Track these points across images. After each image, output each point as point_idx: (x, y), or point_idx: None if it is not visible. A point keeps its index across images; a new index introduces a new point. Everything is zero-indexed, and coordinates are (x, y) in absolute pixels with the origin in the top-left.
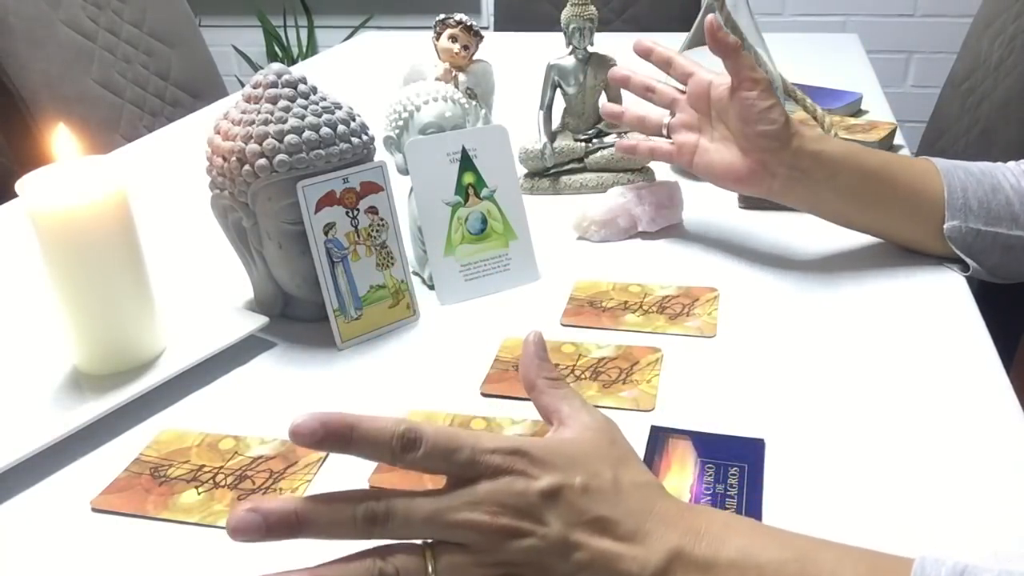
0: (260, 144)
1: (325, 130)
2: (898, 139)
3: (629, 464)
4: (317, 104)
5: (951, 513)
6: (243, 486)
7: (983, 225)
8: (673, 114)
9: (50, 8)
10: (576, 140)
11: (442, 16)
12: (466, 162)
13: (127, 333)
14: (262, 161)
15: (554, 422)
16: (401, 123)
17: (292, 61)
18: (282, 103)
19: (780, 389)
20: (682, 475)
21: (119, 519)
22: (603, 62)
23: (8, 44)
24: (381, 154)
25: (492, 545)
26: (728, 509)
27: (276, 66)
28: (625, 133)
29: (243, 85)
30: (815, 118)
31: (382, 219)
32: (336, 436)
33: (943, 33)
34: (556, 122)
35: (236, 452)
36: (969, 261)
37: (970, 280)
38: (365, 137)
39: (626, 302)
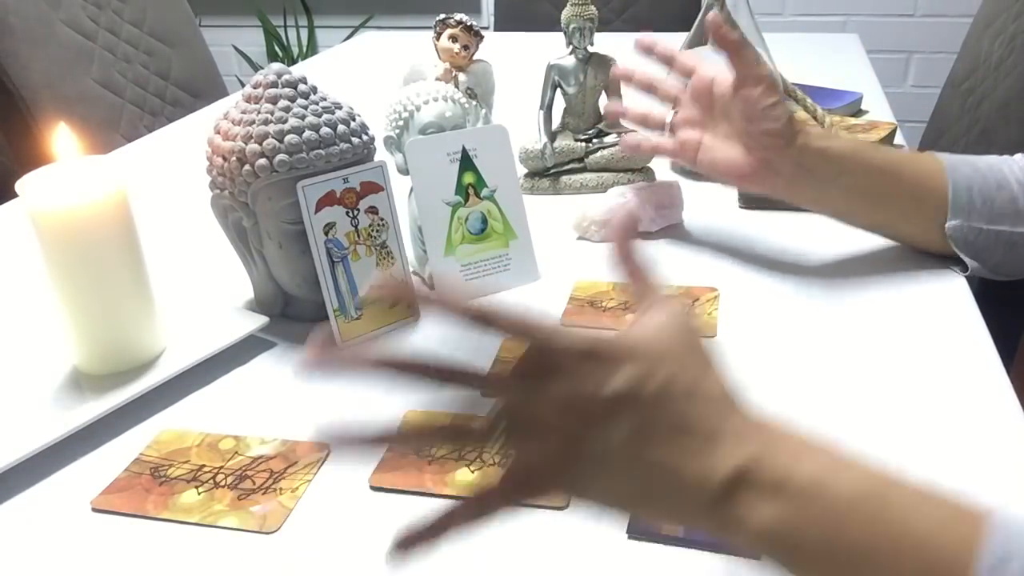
0: (260, 144)
1: (325, 130)
2: (898, 139)
3: (706, 373)
4: (317, 104)
5: None
6: (243, 486)
7: (986, 223)
8: (676, 111)
9: (50, 8)
10: (576, 140)
11: (442, 16)
12: (466, 162)
13: (127, 333)
14: (262, 161)
15: (641, 311)
16: (401, 123)
17: (292, 61)
18: (282, 103)
19: (780, 389)
20: None
21: (119, 519)
22: (603, 62)
23: (8, 44)
24: (381, 154)
25: (557, 434)
26: None
27: (276, 66)
28: (625, 133)
29: (243, 85)
30: (815, 118)
31: (382, 219)
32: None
33: (943, 33)
34: (556, 122)
35: (236, 452)
36: (969, 261)
37: (970, 280)
38: (365, 137)
39: (626, 302)
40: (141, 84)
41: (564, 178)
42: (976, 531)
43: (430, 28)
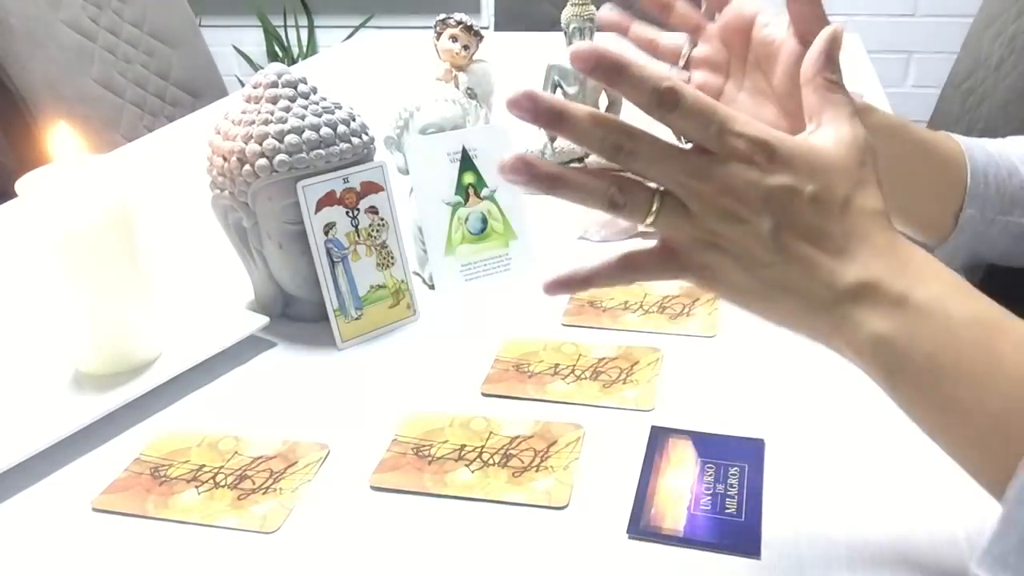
0: (260, 144)
1: (325, 130)
2: None
3: (867, 188)
4: (317, 104)
5: (951, 512)
6: (243, 486)
7: (998, 213)
8: (695, 44)
9: (50, 8)
10: None
11: (442, 16)
12: (466, 162)
13: (127, 333)
14: (262, 161)
15: (813, 122)
16: (401, 123)
17: (292, 61)
18: (282, 103)
19: (780, 389)
20: (682, 475)
21: (119, 519)
22: None
23: (8, 44)
24: (381, 154)
25: (708, 218)
26: (728, 509)
27: (276, 66)
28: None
29: (243, 85)
30: None
31: (382, 219)
32: (609, 66)
33: (943, 33)
34: None
35: (236, 452)
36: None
37: (971, 279)
38: (365, 137)
39: (626, 302)
40: (141, 84)
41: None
42: None
43: (430, 28)
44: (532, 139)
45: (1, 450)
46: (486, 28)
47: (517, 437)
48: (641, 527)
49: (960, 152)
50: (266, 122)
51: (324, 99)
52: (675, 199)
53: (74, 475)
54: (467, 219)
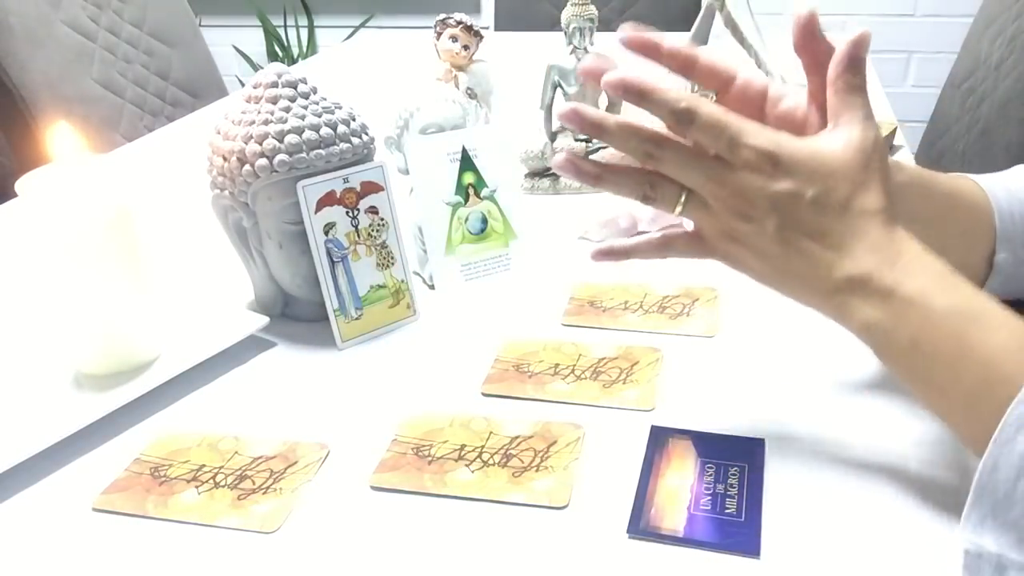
0: (260, 144)
1: (325, 130)
2: (898, 139)
3: (868, 189)
4: (317, 104)
5: (951, 512)
6: (243, 486)
7: None
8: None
9: (50, 8)
10: (576, 140)
11: (442, 16)
12: (466, 162)
13: (127, 333)
14: (262, 161)
15: (830, 122)
16: (401, 123)
17: (292, 61)
18: (282, 103)
19: (780, 389)
20: (682, 475)
21: (119, 519)
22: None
23: (8, 44)
24: (381, 154)
25: (724, 215)
26: (728, 509)
27: (276, 66)
28: None
29: (243, 85)
30: None
31: (382, 219)
32: (635, 92)
33: (943, 33)
34: (556, 122)
35: (236, 452)
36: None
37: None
38: (365, 137)
39: (626, 302)
40: (141, 84)
41: (564, 178)
42: None
43: (430, 28)
44: (532, 139)
45: (1, 450)
46: (486, 28)
47: (517, 437)
48: (641, 527)
49: (983, 195)
50: (266, 122)
51: (324, 99)
52: (698, 196)
53: (74, 475)
54: (467, 219)
